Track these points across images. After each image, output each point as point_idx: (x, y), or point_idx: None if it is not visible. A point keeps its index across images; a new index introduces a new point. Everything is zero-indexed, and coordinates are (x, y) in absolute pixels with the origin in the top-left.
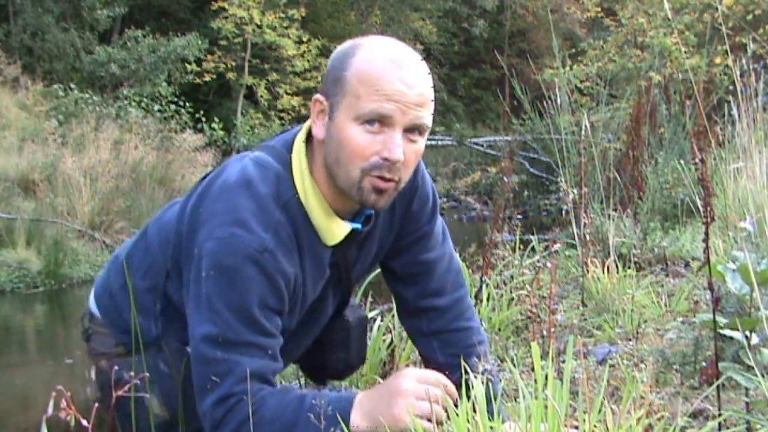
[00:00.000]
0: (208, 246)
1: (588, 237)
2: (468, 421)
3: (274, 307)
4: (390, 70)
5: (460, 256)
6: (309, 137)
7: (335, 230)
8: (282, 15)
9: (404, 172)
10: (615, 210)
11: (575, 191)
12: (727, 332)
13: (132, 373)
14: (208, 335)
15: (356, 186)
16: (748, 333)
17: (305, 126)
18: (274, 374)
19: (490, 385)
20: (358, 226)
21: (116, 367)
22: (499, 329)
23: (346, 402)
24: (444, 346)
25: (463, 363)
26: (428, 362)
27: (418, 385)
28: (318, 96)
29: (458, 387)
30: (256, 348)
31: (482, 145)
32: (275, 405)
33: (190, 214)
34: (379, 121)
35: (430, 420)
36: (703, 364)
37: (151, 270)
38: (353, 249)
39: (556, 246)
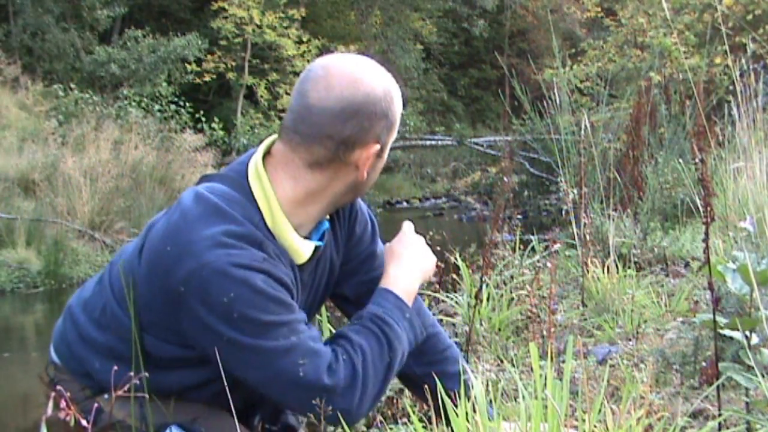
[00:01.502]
0: (204, 275)
1: (588, 237)
2: (468, 421)
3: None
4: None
5: (460, 256)
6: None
7: (301, 249)
8: (282, 15)
9: None
10: (615, 210)
11: (575, 191)
12: (727, 332)
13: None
14: (274, 332)
15: None
16: (748, 333)
17: (261, 149)
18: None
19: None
20: (321, 243)
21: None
22: (499, 329)
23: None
24: (417, 356)
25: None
26: (406, 378)
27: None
28: (373, 145)
29: (437, 396)
30: (303, 322)
31: (482, 145)
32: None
33: (154, 258)
34: None
35: None
36: (703, 364)
37: (110, 320)
38: (311, 270)
39: (556, 246)
